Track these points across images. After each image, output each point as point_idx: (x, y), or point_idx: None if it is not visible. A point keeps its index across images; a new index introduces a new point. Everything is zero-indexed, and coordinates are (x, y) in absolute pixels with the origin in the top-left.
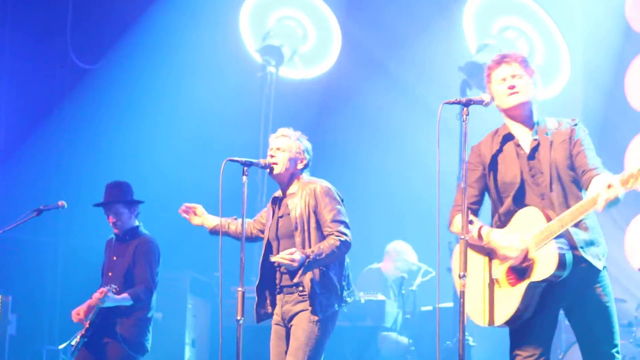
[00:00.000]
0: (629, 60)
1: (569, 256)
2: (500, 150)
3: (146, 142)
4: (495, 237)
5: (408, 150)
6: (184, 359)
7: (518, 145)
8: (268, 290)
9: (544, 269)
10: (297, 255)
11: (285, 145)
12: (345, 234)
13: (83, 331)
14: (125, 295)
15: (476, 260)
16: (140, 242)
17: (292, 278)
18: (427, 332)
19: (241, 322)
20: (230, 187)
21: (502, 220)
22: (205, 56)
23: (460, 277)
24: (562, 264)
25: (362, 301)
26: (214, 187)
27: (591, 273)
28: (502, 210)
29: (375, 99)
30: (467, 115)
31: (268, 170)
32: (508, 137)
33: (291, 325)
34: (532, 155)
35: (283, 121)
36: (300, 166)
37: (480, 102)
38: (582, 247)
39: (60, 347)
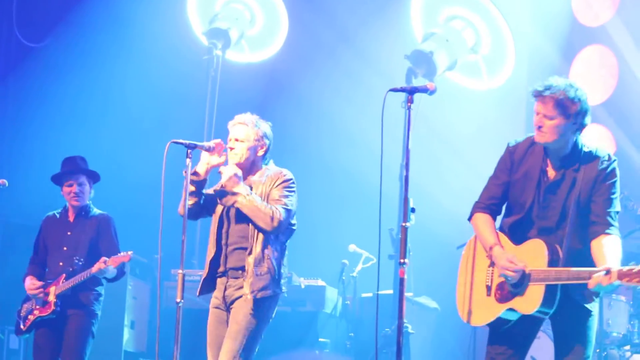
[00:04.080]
0: (574, 52)
1: (556, 297)
2: (527, 167)
3: (90, 122)
4: (498, 255)
5: (353, 136)
6: (122, 341)
7: (543, 172)
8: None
9: (526, 305)
10: (238, 175)
11: (243, 134)
12: (282, 215)
13: (50, 308)
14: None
15: (481, 258)
16: (102, 218)
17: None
18: (367, 318)
19: (181, 304)
20: (176, 169)
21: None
22: (151, 38)
23: (400, 264)
24: (546, 303)
25: (302, 286)
26: (159, 169)
27: (582, 312)
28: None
29: (321, 84)
30: (412, 103)
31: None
32: (539, 158)
33: (232, 309)
34: (551, 188)
35: (229, 104)
36: (260, 152)
37: (425, 90)
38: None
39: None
